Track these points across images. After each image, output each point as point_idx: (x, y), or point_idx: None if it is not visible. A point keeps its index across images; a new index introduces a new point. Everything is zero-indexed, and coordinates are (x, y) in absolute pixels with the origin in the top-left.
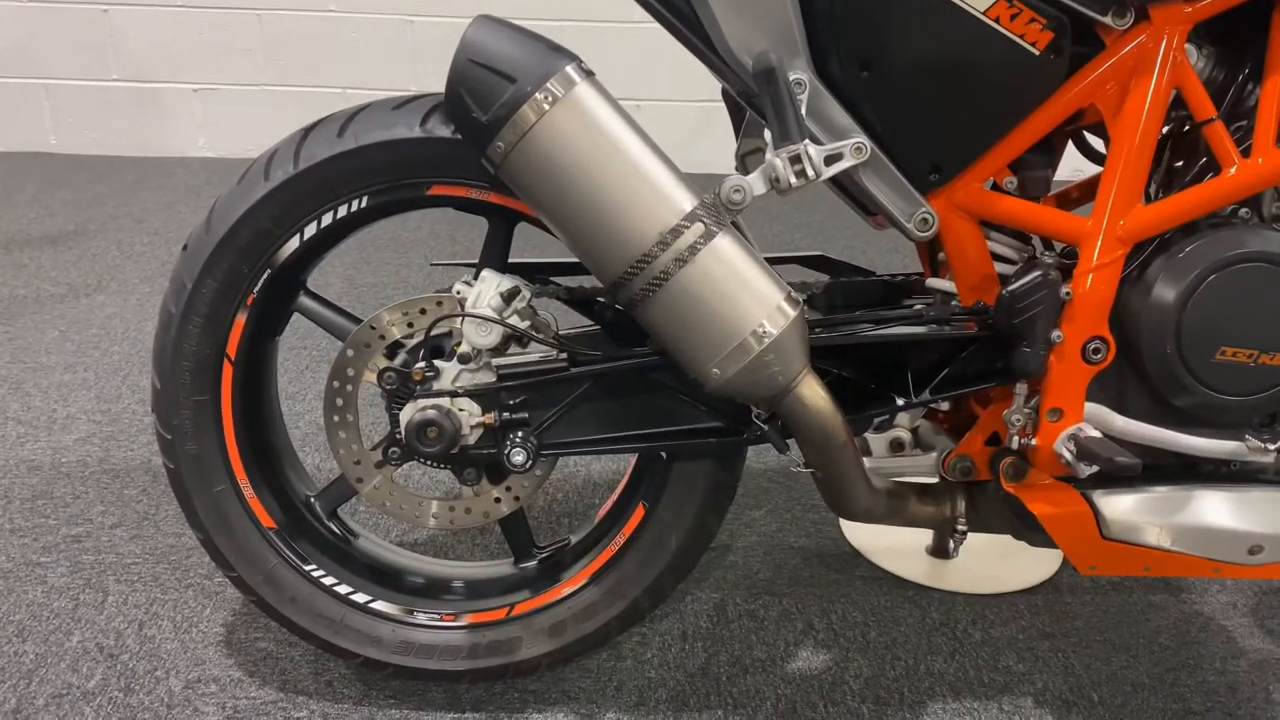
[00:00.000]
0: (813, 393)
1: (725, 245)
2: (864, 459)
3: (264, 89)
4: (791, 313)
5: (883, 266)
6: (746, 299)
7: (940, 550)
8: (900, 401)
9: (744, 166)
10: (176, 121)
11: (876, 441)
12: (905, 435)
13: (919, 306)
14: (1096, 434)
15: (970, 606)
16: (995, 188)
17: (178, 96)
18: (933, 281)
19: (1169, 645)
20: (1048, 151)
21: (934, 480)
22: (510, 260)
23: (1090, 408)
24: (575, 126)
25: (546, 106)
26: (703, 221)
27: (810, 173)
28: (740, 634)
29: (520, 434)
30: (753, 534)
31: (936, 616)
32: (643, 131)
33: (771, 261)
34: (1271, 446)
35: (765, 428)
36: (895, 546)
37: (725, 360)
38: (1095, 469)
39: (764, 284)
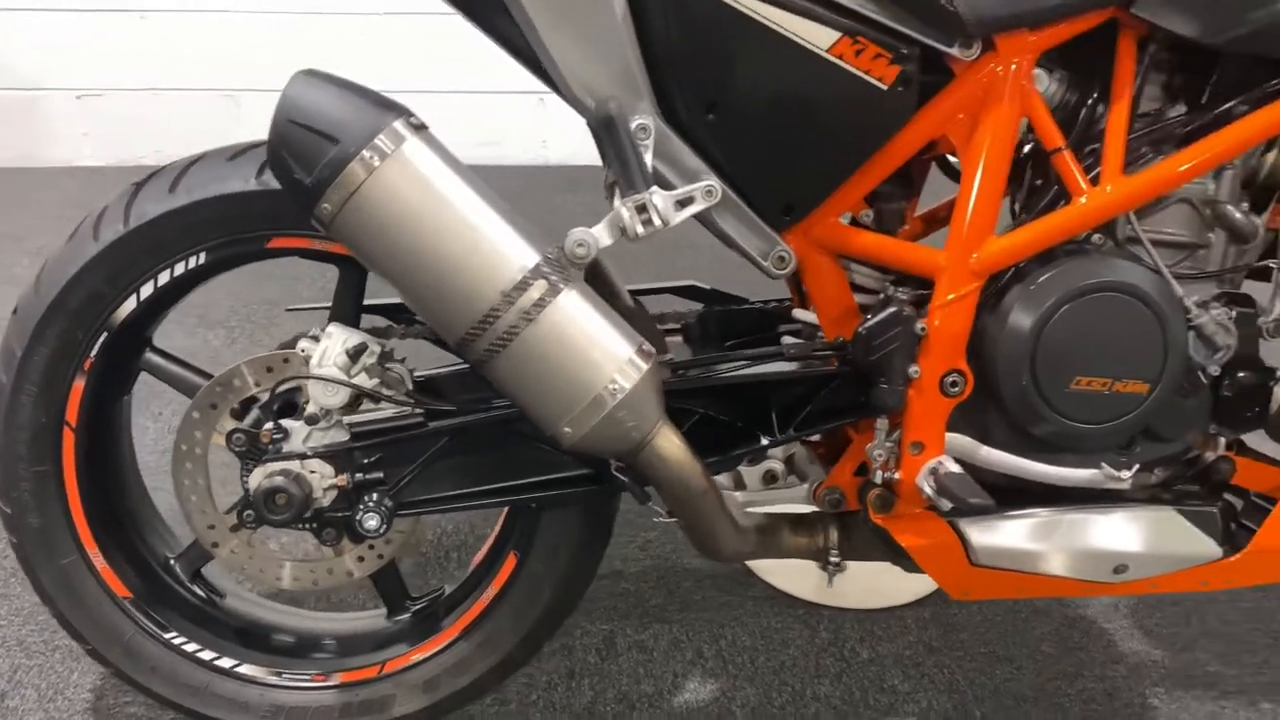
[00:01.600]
0: (669, 443)
1: (572, 301)
2: (735, 493)
3: (153, 92)
4: (644, 366)
5: None
6: (596, 355)
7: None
8: (765, 440)
9: (610, 194)
10: (60, 129)
11: (750, 474)
12: (779, 467)
13: (788, 341)
14: (956, 469)
15: (859, 624)
16: (854, 221)
17: (61, 102)
18: (799, 313)
19: (1051, 653)
20: (904, 183)
21: (808, 510)
22: (369, 302)
23: (954, 438)
24: (405, 184)
25: (375, 164)
26: (546, 278)
27: (657, 221)
28: (629, 668)
29: (373, 497)
30: (646, 558)
31: (826, 636)
32: (482, 185)
33: (641, 293)
34: (1126, 474)
35: (624, 479)
36: (787, 564)
37: (577, 419)
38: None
39: (614, 338)
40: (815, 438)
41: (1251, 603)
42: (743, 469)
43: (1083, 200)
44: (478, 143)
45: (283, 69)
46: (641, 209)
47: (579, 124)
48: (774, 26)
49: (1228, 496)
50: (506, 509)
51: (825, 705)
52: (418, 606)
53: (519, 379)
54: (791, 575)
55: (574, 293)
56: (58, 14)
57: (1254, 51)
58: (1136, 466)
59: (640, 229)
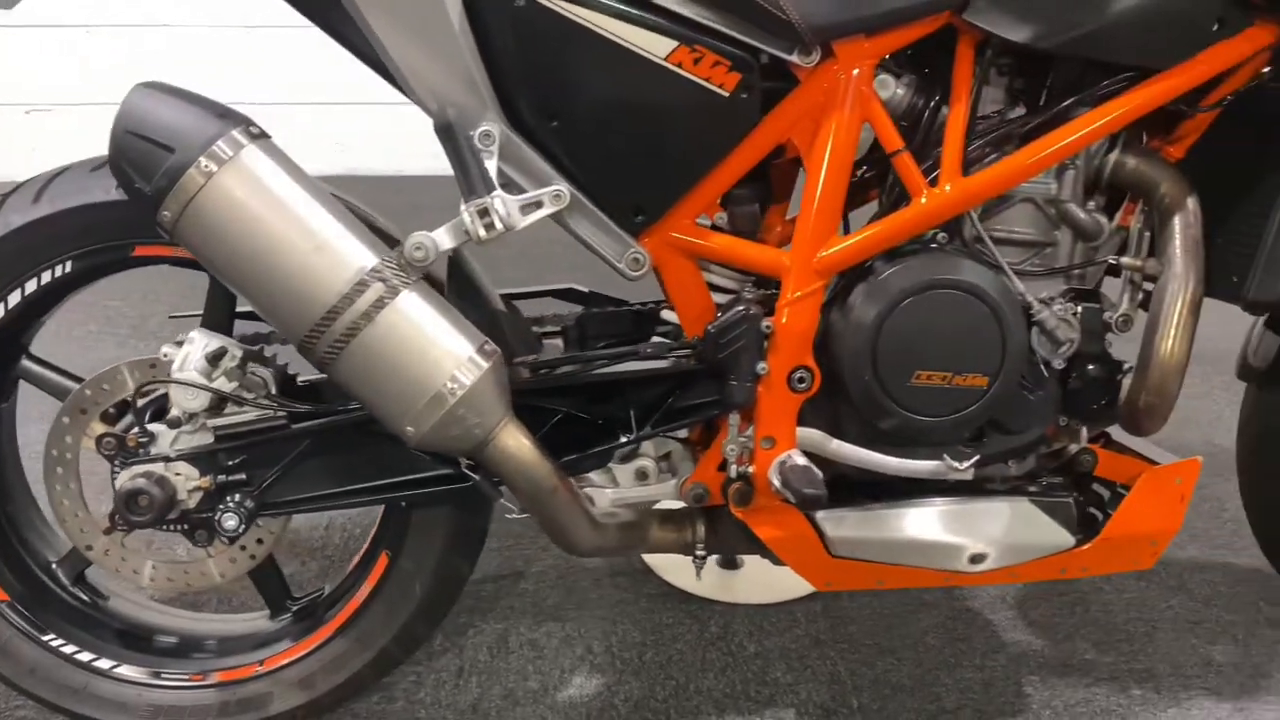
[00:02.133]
0: (515, 441)
1: (410, 302)
2: (606, 490)
3: (100, 107)
4: (484, 364)
5: None
6: (435, 354)
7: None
8: (624, 438)
9: None
10: (8, 145)
11: (623, 471)
12: (650, 464)
13: (657, 340)
14: (800, 461)
15: (750, 618)
16: (712, 224)
17: (9, 117)
18: (666, 313)
19: (935, 645)
20: (757, 185)
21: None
22: (244, 309)
23: (806, 433)
24: (243, 191)
25: (212, 171)
26: (383, 280)
27: (499, 225)
28: (518, 665)
29: (235, 498)
30: (548, 558)
31: (715, 630)
32: (323, 192)
33: (519, 297)
34: (964, 464)
35: (475, 477)
36: (685, 562)
37: (418, 417)
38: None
39: (455, 337)
40: (683, 434)
41: (1135, 592)
42: (615, 466)
43: (922, 200)
44: (385, 150)
45: (225, 80)
46: (484, 213)
47: None
48: (610, 37)
49: (1096, 488)
50: (383, 509)
51: (707, 698)
52: (298, 606)
53: (360, 380)
54: (688, 572)
55: (413, 294)
56: (3, 30)
57: (1082, 54)
58: (976, 457)
59: (483, 232)
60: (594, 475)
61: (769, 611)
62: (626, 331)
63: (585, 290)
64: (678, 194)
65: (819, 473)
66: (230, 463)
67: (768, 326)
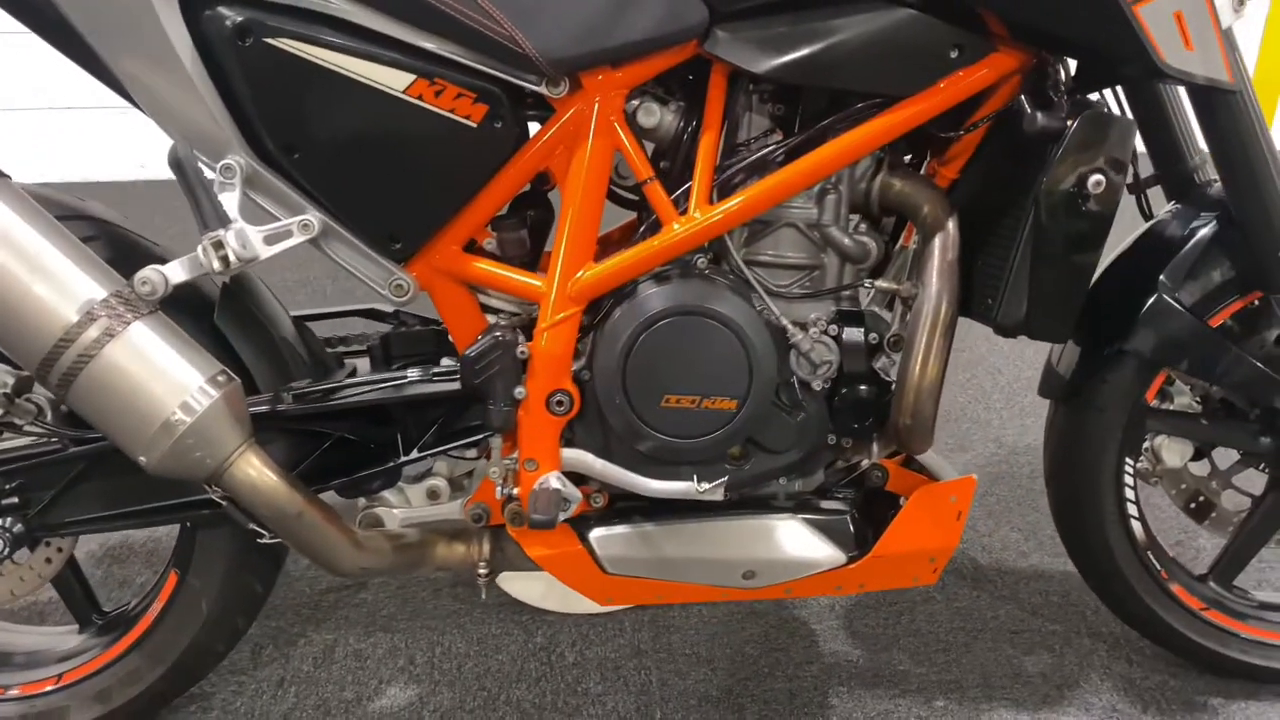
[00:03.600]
0: (252, 469)
1: (138, 335)
2: (394, 510)
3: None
4: (214, 394)
5: None
6: (160, 387)
7: None
8: (395, 461)
9: None
10: None
11: (414, 491)
12: (441, 484)
13: (421, 365)
14: (553, 485)
15: (577, 628)
16: (479, 248)
17: None
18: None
19: (752, 654)
20: (538, 208)
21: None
22: None
23: (570, 454)
24: None
25: None
26: (109, 315)
27: (235, 259)
28: (339, 675)
29: (5, 521)
30: None
31: (540, 641)
32: (51, 226)
33: (318, 318)
34: (708, 486)
35: (223, 503)
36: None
37: (148, 446)
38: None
39: (181, 370)
40: (473, 453)
41: (966, 601)
42: (406, 486)
43: (675, 227)
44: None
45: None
46: (218, 246)
47: None
48: (345, 73)
49: (885, 503)
50: (179, 526)
51: (514, 709)
52: (103, 621)
53: (93, 411)
54: (526, 582)
55: (142, 326)
56: None
57: (822, 85)
58: (724, 479)
59: (217, 265)
60: (388, 494)
61: (599, 621)
62: (428, 350)
63: (389, 310)
64: (435, 224)
65: (572, 493)
66: (6, 486)
67: (524, 352)
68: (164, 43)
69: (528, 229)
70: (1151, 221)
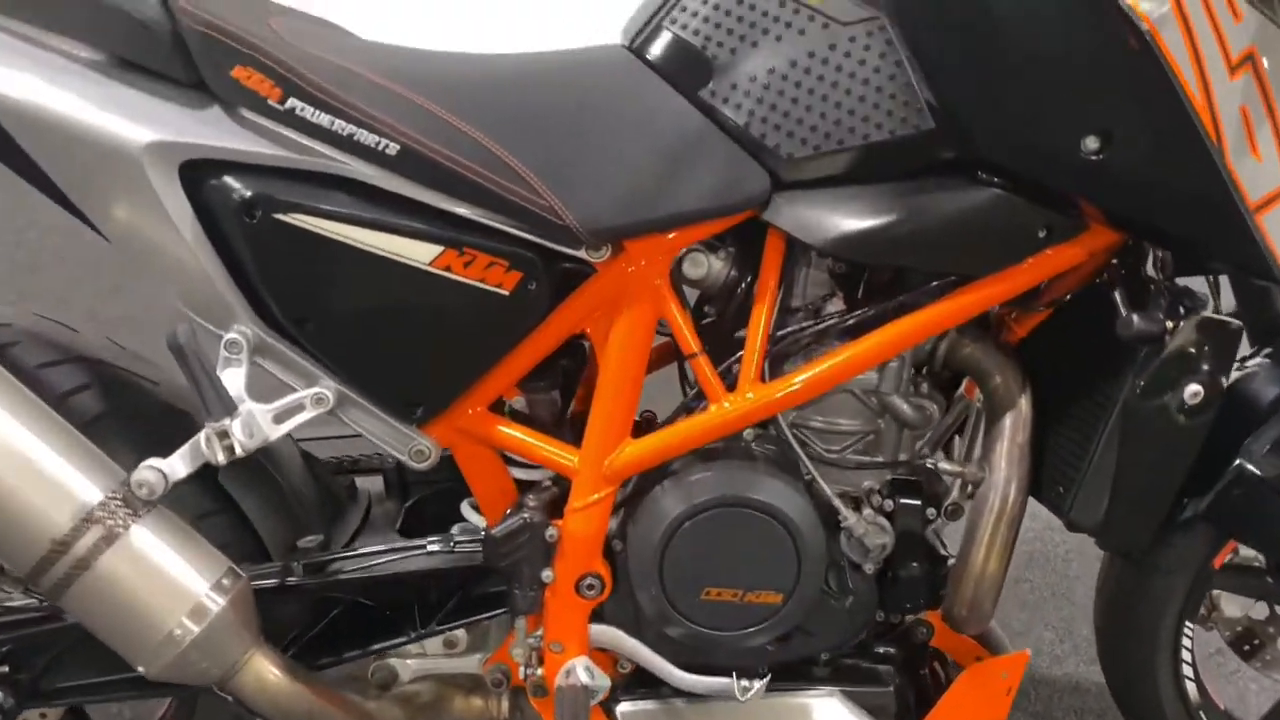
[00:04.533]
0: (259, 674)
1: (134, 541)
2: (409, 662)
3: None
4: (220, 602)
5: None
6: (162, 599)
7: None
8: (410, 634)
9: None
10: None
11: (431, 640)
12: (460, 634)
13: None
14: (581, 679)
15: None
16: (509, 408)
17: None
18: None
19: None
20: (553, 374)
21: None
22: None
23: (600, 630)
24: None
25: None
26: (103, 523)
27: (240, 449)
28: None
29: None
30: None
31: None
32: (46, 418)
33: (332, 438)
34: (756, 684)
35: (228, 697)
36: None
37: (150, 659)
38: None
39: (185, 575)
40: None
41: None
42: None
43: (726, 405)
44: None
45: None
46: (223, 435)
47: None
48: (364, 247)
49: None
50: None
51: None
52: None
53: (89, 620)
54: None
55: (140, 530)
56: None
57: (896, 264)
58: (766, 679)
59: (222, 456)
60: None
61: None
62: (448, 474)
63: None
64: (457, 390)
65: (600, 684)
66: None
67: (553, 535)
68: (160, 213)
69: (559, 389)
70: (1237, 375)
